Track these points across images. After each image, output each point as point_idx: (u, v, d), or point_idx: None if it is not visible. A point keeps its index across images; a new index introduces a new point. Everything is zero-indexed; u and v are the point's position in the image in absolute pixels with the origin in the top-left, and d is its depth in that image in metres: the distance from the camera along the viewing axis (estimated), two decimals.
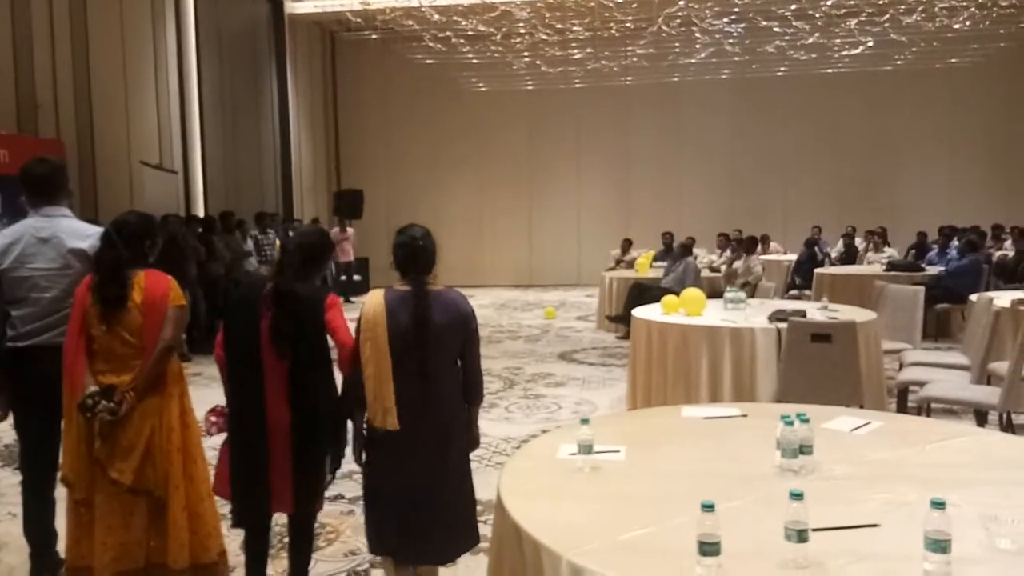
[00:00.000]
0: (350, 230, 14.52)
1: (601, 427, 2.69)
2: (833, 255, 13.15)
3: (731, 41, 14.70)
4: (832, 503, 2.12)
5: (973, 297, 6.86)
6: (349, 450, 3.02)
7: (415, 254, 2.88)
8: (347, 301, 13.75)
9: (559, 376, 7.76)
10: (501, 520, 2.23)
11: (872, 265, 11.79)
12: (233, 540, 3.19)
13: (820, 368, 4.76)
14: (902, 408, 5.32)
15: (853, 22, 13.76)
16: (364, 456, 2.93)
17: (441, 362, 2.86)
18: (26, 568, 3.36)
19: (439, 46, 14.62)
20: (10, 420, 3.32)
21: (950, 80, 15.68)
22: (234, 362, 2.99)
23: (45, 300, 3.16)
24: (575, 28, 14.20)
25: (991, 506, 1.99)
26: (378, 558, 3.15)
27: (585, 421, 2.50)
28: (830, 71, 15.52)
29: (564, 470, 2.46)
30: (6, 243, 3.20)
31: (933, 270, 10.13)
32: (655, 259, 11.81)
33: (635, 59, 15.18)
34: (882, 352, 5.69)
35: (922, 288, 6.62)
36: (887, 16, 13.55)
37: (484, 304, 13.55)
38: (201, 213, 11.86)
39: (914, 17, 13.22)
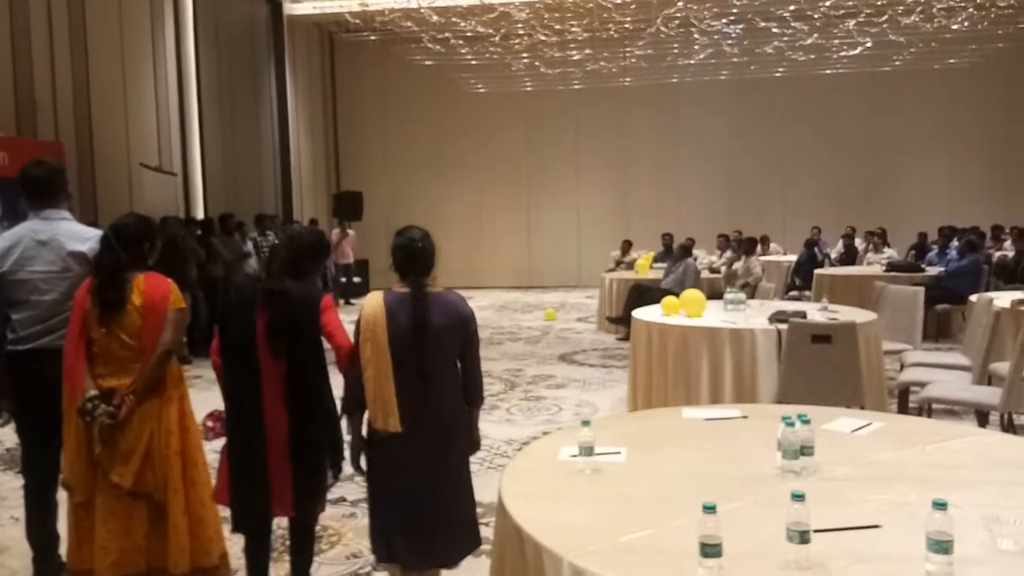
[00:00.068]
0: (350, 232, 14.52)
1: (602, 429, 2.69)
2: (833, 256, 13.16)
3: (730, 42, 14.71)
4: (833, 504, 2.12)
5: (973, 297, 6.86)
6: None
7: (414, 256, 2.88)
8: (347, 303, 13.75)
9: (560, 378, 7.76)
10: (502, 522, 2.23)
11: (872, 266, 11.79)
12: (235, 543, 3.19)
13: (821, 369, 4.76)
14: (903, 409, 5.32)
15: (852, 23, 13.78)
16: (364, 459, 2.92)
17: (440, 364, 2.86)
18: (29, 572, 3.36)
19: (438, 47, 14.63)
20: (11, 423, 3.32)
21: (948, 81, 15.69)
22: (231, 364, 2.98)
23: (45, 303, 3.16)
24: (574, 29, 14.20)
25: (993, 507, 1.99)
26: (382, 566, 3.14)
27: (586, 423, 2.51)
28: (829, 72, 15.53)
29: (565, 472, 2.46)
30: (5, 246, 3.19)
31: (933, 271, 10.13)
32: (655, 260, 11.81)
33: (634, 60, 15.19)
34: (882, 353, 5.69)
35: (922, 289, 6.62)
36: (885, 17, 13.56)
37: (484, 306, 13.55)
38: (200, 215, 11.86)
39: (912, 18, 13.23)
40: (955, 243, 11.07)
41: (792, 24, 13.89)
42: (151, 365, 2.96)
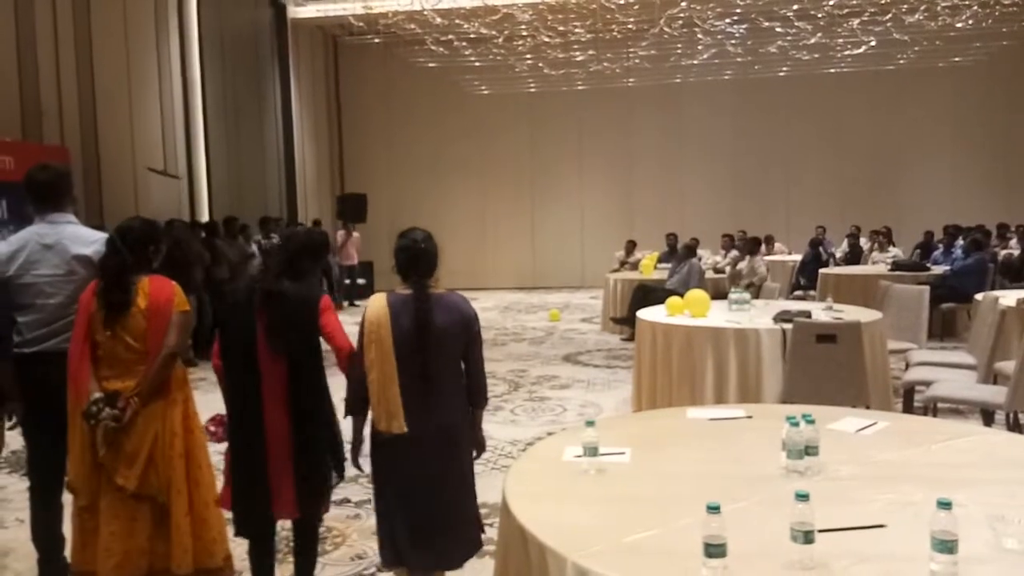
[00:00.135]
0: (355, 234, 14.53)
1: (606, 429, 2.68)
2: (838, 255, 13.15)
3: (733, 42, 14.70)
4: (838, 504, 2.11)
5: (978, 296, 6.84)
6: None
7: (417, 257, 2.88)
8: (351, 305, 13.76)
9: (564, 378, 7.76)
10: (507, 522, 2.23)
11: (877, 265, 11.76)
12: (239, 545, 3.19)
13: (825, 369, 4.75)
14: (908, 408, 5.31)
15: (855, 22, 13.75)
16: (366, 460, 2.92)
17: (444, 365, 2.86)
18: (33, 574, 3.37)
19: (441, 49, 14.65)
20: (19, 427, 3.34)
21: (953, 79, 15.64)
22: (231, 366, 2.99)
23: (50, 306, 3.17)
24: (577, 30, 14.21)
25: (998, 506, 1.98)
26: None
27: (590, 423, 2.50)
28: (832, 71, 15.50)
29: (569, 472, 2.46)
30: (11, 250, 3.21)
31: (938, 269, 10.11)
32: (659, 260, 11.80)
33: (637, 60, 15.18)
34: (888, 352, 5.68)
35: (927, 288, 6.61)
36: (889, 15, 13.54)
37: (488, 307, 13.55)
38: (206, 218, 11.89)
39: (916, 16, 13.21)
40: (960, 242, 11.06)
41: (796, 23, 13.87)
42: (156, 368, 2.96)
